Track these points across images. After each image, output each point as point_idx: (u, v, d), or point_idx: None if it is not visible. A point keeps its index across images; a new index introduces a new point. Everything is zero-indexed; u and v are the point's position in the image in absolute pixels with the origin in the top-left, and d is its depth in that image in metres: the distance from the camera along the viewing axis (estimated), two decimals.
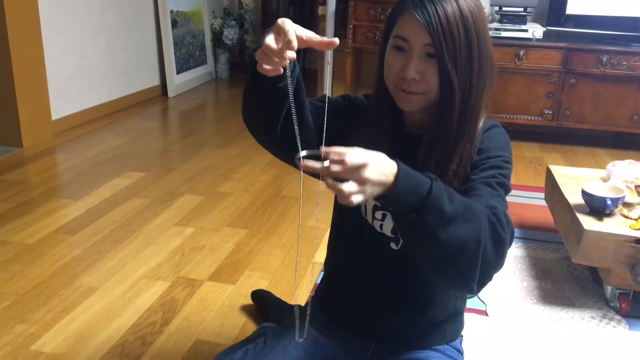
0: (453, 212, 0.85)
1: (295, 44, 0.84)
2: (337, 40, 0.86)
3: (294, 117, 0.89)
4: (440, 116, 1.01)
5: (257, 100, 0.99)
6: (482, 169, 1.02)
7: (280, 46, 0.85)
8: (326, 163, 0.81)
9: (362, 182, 0.81)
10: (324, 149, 0.82)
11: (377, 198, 0.86)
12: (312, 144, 1.07)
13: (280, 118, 1.00)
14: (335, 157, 0.80)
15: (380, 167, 0.82)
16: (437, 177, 0.88)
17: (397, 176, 0.84)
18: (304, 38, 0.86)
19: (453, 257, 0.87)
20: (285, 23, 0.85)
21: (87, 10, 3.62)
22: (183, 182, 2.79)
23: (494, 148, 1.05)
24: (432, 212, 0.85)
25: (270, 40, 0.85)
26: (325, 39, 0.86)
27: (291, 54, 0.86)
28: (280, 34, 0.85)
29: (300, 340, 1.15)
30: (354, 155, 0.81)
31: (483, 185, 0.99)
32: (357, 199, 0.81)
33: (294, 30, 0.85)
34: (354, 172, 0.80)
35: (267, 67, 0.88)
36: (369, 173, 0.81)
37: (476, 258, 0.87)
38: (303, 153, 0.85)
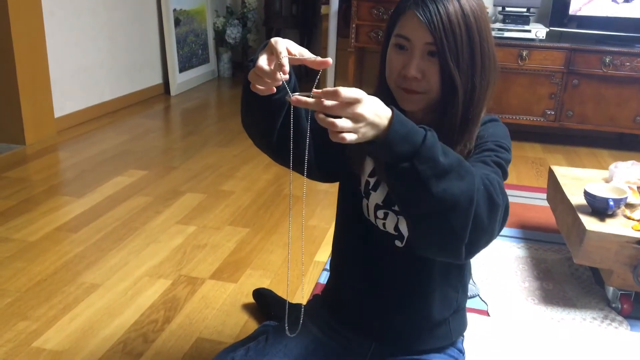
0: (447, 164, 0.83)
1: (287, 68, 0.85)
2: (330, 60, 0.86)
3: (285, 126, 0.90)
4: (443, 115, 1.01)
5: (253, 112, 1.01)
6: (478, 152, 1.02)
7: (272, 67, 0.86)
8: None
9: (356, 118, 0.79)
10: (315, 90, 0.80)
11: (369, 143, 0.83)
12: (310, 151, 1.09)
13: (276, 128, 1.02)
14: (330, 90, 0.78)
15: (374, 107, 0.81)
16: (431, 128, 0.86)
17: (391, 121, 0.82)
18: (297, 56, 0.87)
19: (444, 213, 0.84)
20: (278, 44, 0.86)
21: (90, 8, 3.62)
22: (185, 180, 2.80)
23: (492, 135, 1.04)
24: (425, 161, 0.82)
25: (262, 61, 0.86)
26: (318, 58, 0.87)
27: (284, 77, 0.87)
28: (273, 54, 0.86)
29: (292, 336, 1.14)
30: (348, 90, 0.79)
31: (478, 162, 0.98)
32: (350, 137, 0.79)
33: (286, 52, 0.86)
34: (348, 107, 0.78)
35: (260, 87, 0.90)
36: (362, 109, 0.79)
37: (468, 217, 0.84)
38: (295, 94, 0.82)
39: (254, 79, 0.89)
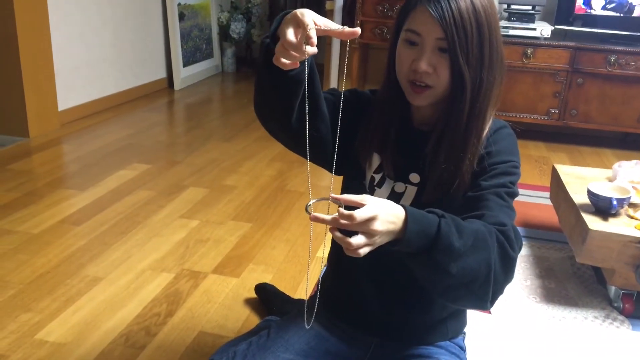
0: (463, 246, 0.87)
1: (315, 40, 0.83)
2: (358, 30, 0.84)
3: (308, 106, 0.89)
4: (451, 110, 1.01)
5: (270, 90, 0.97)
6: (491, 175, 1.03)
7: (299, 40, 0.84)
8: (336, 214, 0.82)
9: (371, 234, 0.82)
10: (332, 196, 0.84)
11: (388, 245, 0.87)
12: (327, 136, 1.07)
13: (294, 108, 0.98)
14: (345, 213, 0.81)
15: (388, 216, 0.84)
16: (443, 212, 0.90)
17: (406, 221, 0.85)
18: (323, 28, 0.84)
19: (465, 285, 0.89)
20: (305, 15, 0.83)
21: (95, 1, 3.62)
22: (188, 174, 2.80)
23: (503, 152, 1.05)
24: (442, 250, 0.86)
25: (290, 34, 0.83)
26: (346, 28, 0.84)
27: (311, 49, 0.84)
28: (300, 26, 0.84)
29: (308, 327, 1.15)
30: (362, 211, 0.81)
31: (492, 195, 1.00)
32: (364, 251, 0.83)
33: (313, 24, 0.83)
34: (363, 226, 0.82)
35: (285, 61, 0.86)
36: (378, 225, 0.82)
37: (488, 282, 0.90)
38: (312, 201, 0.87)
39: (280, 51, 0.86)
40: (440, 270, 0.88)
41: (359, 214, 0.81)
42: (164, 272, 1.94)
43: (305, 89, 0.94)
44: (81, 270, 1.92)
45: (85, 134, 3.34)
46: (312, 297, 1.36)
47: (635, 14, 3.39)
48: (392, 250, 0.88)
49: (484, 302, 0.93)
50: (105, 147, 3.14)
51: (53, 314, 1.69)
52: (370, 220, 0.82)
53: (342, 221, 0.81)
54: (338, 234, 0.83)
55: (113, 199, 2.48)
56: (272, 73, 0.93)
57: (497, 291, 0.93)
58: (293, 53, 0.85)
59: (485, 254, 0.89)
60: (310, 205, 0.85)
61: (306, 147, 0.93)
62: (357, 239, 0.82)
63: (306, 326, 1.07)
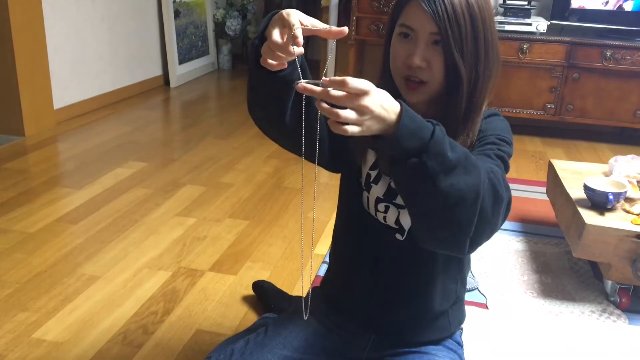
0: (455, 159, 0.82)
1: (301, 40, 0.82)
2: (346, 29, 0.83)
3: (303, 105, 0.88)
4: (447, 105, 1.01)
5: (262, 91, 0.97)
6: (480, 145, 1.01)
7: (285, 40, 0.83)
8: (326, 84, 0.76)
9: (361, 110, 0.77)
10: (325, 78, 0.78)
11: (377, 138, 0.82)
12: (322, 134, 1.06)
13: (287, 108, 0.98)
14: (337, 80, 0.76)
15: (382, 100, 0.79)
16: (439, 122, 0.85)
17: (400, 115, 0.80)
18: (310, 27, 0.84)
19: (450, 207, 0.83)
20: (291, 15, 0.83)
21: None
22: (185, 172, 2.80)
23: (494, 129, 1.04)
24: (434, 156, 0.81)
25: (276, 35, 0.83)
26: (333, 28, 0.83)
27: (298, 50, 0.83)
28: (286, 27, 0.83)
29: (305, 318, 1.13)
30: (356, 80, 0.77)
31: (481, 155, 0.98)
32: (352, 129, 0.77)
33: (299, 23, 0.82)
34: (354, 99, 0.76)
35: (271, 62, 0.86)
36: (369, 102, 0.77)
37: (474, 211, 0.84)
38: (303, 81, 0.79)
39: (266, 52, 0.86)
40: (428, 180, 0.81)
41: (352, 81, 0.76)
42: (161, 270, 1.94)
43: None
44: (78, 269, 1.92)
45: (81, 132, 3.34)
46: (310, 293, 1.36)
47: (630, 9, 3.40)
48: (380, 147, 0.83)
49: (465, 235, 0.85)
50: (101, 145, 3.13)
51: (50, 313, 1.68)
52: (363, 94, 0.77)
53: (333, 92, 0.76)
54: (325, 105, 0.76)
55: (109, 197, 2.47)
56: (262, 75, 0.92)
57: (481, 231, 0.86)
58: (279, 54, 0.85)
59: (475, 179, 0.84)
60: (298, 82, 0.79)
61: (301, 146, 0.93)
62: (347, 112, 0.76)
63: (304, 316, 1.06)
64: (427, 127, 0.82)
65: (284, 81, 0.93)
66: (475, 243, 0.88)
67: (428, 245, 0.94)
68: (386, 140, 0.81)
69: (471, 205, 0.84)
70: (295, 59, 0.90)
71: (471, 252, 0.90)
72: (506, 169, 1.00)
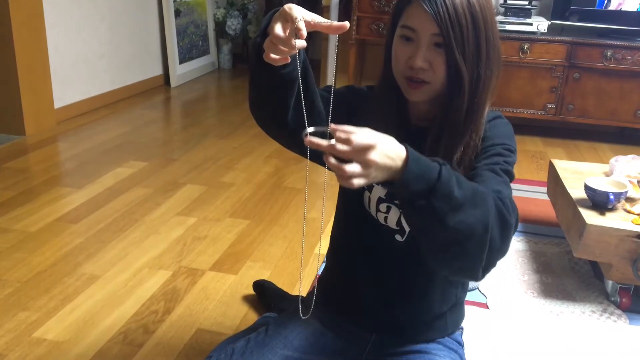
0: (462, 197, 0.83)
1: (304, 32, 0.82)
2: (347, 24, 0.83)
3: (303, 103, 0.88)
4: (449, 106, 1.01)
5: (264, 89, 0.97)
6: (486, 156, 1.02)
7: (288, 34, 0.83)
8: (332, 141, 0.77)
9: (366, 164, 0.77)
10: (332, 125, 0.78)
11: (385, 184, 0.83)
12: (324, 134, 1.06)
13: (289, 106, 0.98)
14: (342, 136, 0.77)
15: (388, 150, 0.79)
16: (445, 161, 0.86)
17: (406, 161, 0.81)
18: (312, 23, 0.84)
19: (461, 242, 0.85)
20: (293, 9, 0.83)
21: None
22: (185, 172, 2.80)
23: (498, 136, 1.05)
24: (441, 197, 0.82)
25: (278, 29, 0.83)
26: (335, 23, 0.84)
27: (301, 43, 0.83)
28: (288, 21, 0.83)
29: (305, 318, 1.13)
30: (361, 135, 0.77)
31: (487, 171, 0.98)
32: (358, 182, 0.78)
33: (302, 17, 0.82)
34: (360, 153, 0.77)
35: (274, 56, 0.86)
36: (375, 155, 0.77)
37: (484, 243, 0.86)
38: (310, 129, 0.81)
39: (268, 47, 0.85)
40: (437, 219, 0.83)
41: (357, 139, 0.76)
42: (161, 269, 1.94)
43: (300, 86, 0.93)
44: (78, 269, 1.92)
45: (81, 132, 3.34)
46: (311, 293, 1.36)
47: (631, 9, 3.39)
48: (390, 190, 0.84)
49: (477, 265, 0.87)
50: (101, 144, 3.13)
51: (50, 312, 1.68)
52: (368, 148, 0.77)
53: (339, 146, 0.76)
54: (332, 161, 0.77)
55: (110, 197, 2.47)
56: (264, 72, 0.92)
57: (492, 258, 0.88)
58: (282, 48, 0.84)
59: (484, 211, 0.85)
60: (307, 133, 0.80)
61: (302, 145, 0.93)
62: (352, 167, 0.77)
63: (301, 316, 1.06)
64: (434, 169, 0.83)
65: (286, 79, 0.93)
66: (486, 269, 0.90)
67: (442, 272, 0.95)
68: (394, 186, 0.83)
69: (481, 238, 0.85)
70: (297, 57, 0.89)
71: (484, 277, 0.92)
72: (511, 179, 1.01)
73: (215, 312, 1.73)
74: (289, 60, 0.88)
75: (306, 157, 0.97)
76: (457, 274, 0.93)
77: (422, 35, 0.98)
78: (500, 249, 0.89)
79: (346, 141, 0.77)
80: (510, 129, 1.09)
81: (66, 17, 3.43)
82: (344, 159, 0.77)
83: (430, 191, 0.82)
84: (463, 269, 0.90)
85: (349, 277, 1.22)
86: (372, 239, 1.15)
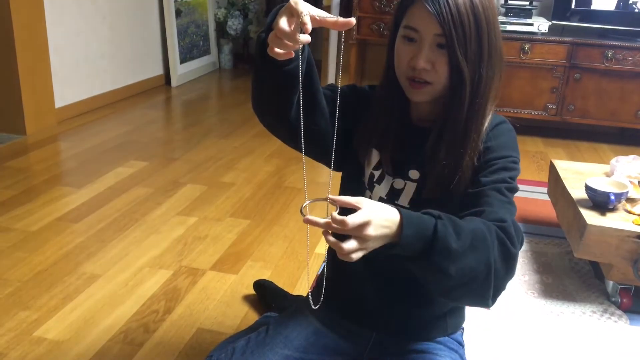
0: (461, 247, 0.86)
1: (309, 27, 0.81)
2: (353, 20, 0.84)
3: (307, 100, 0.88)
4: (450, 106, 1.01)
5: (267, 85, 0.97)
6: (491, 171, 1.02)
7: (293, 28, 0.83)
8: (329, 218, 0.81)
9: (363, 239, 0.82)
10: (330, 197, 0.84)
11: (384, 248, 0.87)
12: (327, 131, 1.06)
13: (292, 103, 0.98)
14: (336, 225, 0.81)
15: (382, 221, 0.83)
16: (439, 213, 0.89)
17: (401, 225, 0.84)
18: (318, 18, 0.84)
19: (465, 285, 0.89)
20: (299, 4, 0.82)
21: None
22: (186, 171, 2.80)
23: (503, 147, 1.05)
24: (440, 253, 0.85)
25: (283, 23, 0.82)
26: (340, 19, 0.84)
27: (305, 37, 0.83)
28: (294, 15, 0.83)
29: (316, 308, 1.14)
30: (355, 217, 0.81)
31: (492, 191, 0.99)
32: (357, 255, 0.83)
33: (307, 11, 0.82)
34: (356, 231, 0.81)
35: (279, 50, 0.85)
36: (371, 230, 0.82)
37: (488, 280, 0.89)
38: (307, 202, 0.87)
39: (273, 40, 0.85)
40: (439, 272, 0.87)
41: (352, 220, 0.80)
42: (162, 269, 1.94)
43: (302, 84, 0.93)
44: (79, 268, 1.92)
45: (82, 131, 3.34)
46: (313, 291, 1.36)
47: (632, 9, 3.39)
48: (389, 254, 0.88)
49: (485, 299, 0.92)
50: (102, 144, 3.13)
51: (51, 311, 1.68)
52: (363, 225, 0.81)
53: (335, 227, 0.81)
54: (331, 238, 0.83)
55: (110, 196, 2.47)
56: (268, 67, 0.92)
57: (499, 288, 0.92)
58: (286, 42, 0.84)
59: (485, 252, 0.88)
60: (305, 206, 0.85)
61: (306, 142, 0.93)
62: (350, 244, 0.82)
63: (312, 307, 1.08)
64: (429, 227, 0.86)
65: (290, 75, 0.93)
66: (495, 297, 0.94)
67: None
68: (393, 249, 0.87)
69: (485, 278, 0.89)
70: (300, 53, 0.89)
71: (495, 303, 0.96)
72: (515, 193, 1.03)
73: (215, 311, 1.73)
74: (293, 55, 0.88)
75: (307, 155, 0.98)
76: (468, 305, 1.01)
77: (424, 36, 0.98)
78: (505, 278, 0.92)
79: (341, 224, 0.81)
80: (513, 136, 1.09)
81: (67, 16, 3.43)
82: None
83: (428, 249, 0.86)
84: (472, 303, 0.96)
85: (350, 276, 1.22)
86: None
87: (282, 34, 0.83)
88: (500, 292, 0.93)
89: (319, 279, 1.34)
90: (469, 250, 0.87)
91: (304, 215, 0.83)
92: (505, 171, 1.02)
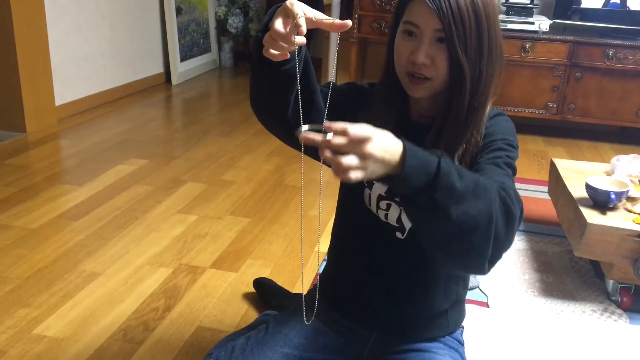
0: (464, 188, 0.82)
1: (304, 29, 0.81)
2: (349, 22, 0.83)
3: (304, 100, 0.87)
4: (450, 102, 1.00)
5: (264, 84, 0.97)
6: (487, 151, 1.01)
7: (288, 30, 0.83)
8: (328, 136, 0.76)
9: (363, 156, 0.76)
10: (327, 123, 0.78)
11: (384, 180, 0.82)
12: (319, 132, 1.06)
13: (290, 102, 0.98)
14: (338, 127, 0.76)
15: (385, 144, 0.78)
16: (443, 153, 0.85)
17: (404, 155, 0.80)
18: (314, 20, 0.83)
19: (465, 235, 0.84)
20: (294, 5, 0.83)
21: None
22: (186, 169, 2.80)
23: (500, 132, 1.04)
24: (442, 190, 0.80)
25: (278, 24, 0.83)
26: (337, 21, 0.83)
27: (300, 39, 0.83)
28: (289, 17, 0.83)
29: (308, 324, 1.13)
30: (357, 127, 0.77)
31: (490, 164, 0.98)
32: (355, 174, 0.77)
33: (302, 13, 0.82)
34: (356, 146, 0.76)
35: (274, 52, 0.86)
36: (372, 148, 0.77)
37: (488, 234, 0.84)
38: (305, 127, 0.80)
39: (268, 42, 0.85)
40: (439, 213, 0.81)
41: (353, 130, 0.76)
42: (162, 267, 1.94)
43: (299, 84, 0.93)
44: (79, 266, 1.92)
45: (82, 129, 3.34)
46: (311, 291, 1.36)
47: (633, 8, 3.39)
48: (390, 186, 0.82)
49: (483, 259, 0.86)
50: (102, 142, 3.13)
51: (51, 309, 1.68)
52: (365, 140, 0.76)
53: (335, 139, 0.76)
54: (328, 154, 0.76)
55: (111, 194, 2.47)
56: (265, 68, 0.92)
57: (497, 250, 0.87)
58: (281, 43, 0.84)
59: (487, 202, 0.84)
60: (301, 130, 0.79)
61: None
62: (349, 159, 0.75)
63: (305, 322, 1.06)
64: (432, 162, 0.82)
65: (286, 75, 0.93)
66: (492, 262, 0.89)
67: (448, 268, 0.94)
68: (393, 182, 0.82)
69: (485, 230, 0.84)
70: (297, 54, 0.89)
71: (490, 270, 0.91)
72: (514, 173, 1.00)
73: (215, 309, 1.73)
74: (288, 56, 0.88)
75: (306, 154, 0.97)
76: (463, 268, 0.91)
77: (424, 31, 0.97)
78: (505, 241, 0.87)
79: (342, 132, 0.76)
80: (511, 125, 1.09)
81: (67, 15, 3.43)
82: (340, 153, 0.77)
83: (431, 185, 0.81)
84: (468, 263, 0.89)
85: (350, 274, 1.22)
86: (373, 236, 1.15)
87: (277, 35, 0.83)
88: (498, 257, 0.89)
89: (319, 278, 1.34)
90: (472, 196, 0.82)
91: (299, 134, 0.78)
92: (502, 151, 1.01)
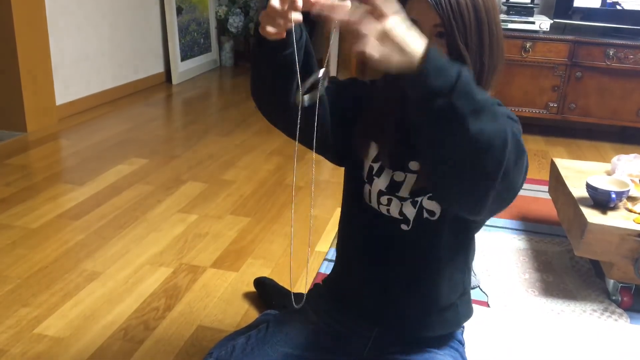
0: (483, 101, 0.78)
1: (299, 4, 0.80)
2: (348, 3, 0.78)
3: (300, 104, 0.87)
4: None
5: (264, 69, 0.96)
6: None
7: (285, 7, 0.81)
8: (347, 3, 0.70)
9: (384, 32, 0.72)
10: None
11: (403, 77, 0.78)
12: (325, 121, 1.05)
13: (289, 90, 0.96)
14: None
15: (409, 28, 0.75)
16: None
17: (427, 51, 0.76)
18: (312, 0, 0.80)
19: (478, 154, 0.79)
20: None
21: None
22: (186, 169, 2.80)
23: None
24: (463, 96, 0.76)
25: (275, 1, 0.81)
26: (336, 1, 0.79)
27: (297, 15, 0.81)
28: None
29: (297, 307, 1.10)
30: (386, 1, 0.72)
31: None
32: (371, 47, 0.72)
33: None
34: (377, 20, 0.72)
35: (270, 29, 0.84)
36: (394, 24, 0.72)
37: (501, 160, 0.81)
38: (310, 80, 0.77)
39: (264, 19, 0.84)
40: (457, 122, 0.76)
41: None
42: (162, 266, 1.94)
43: (299, 64, 0.92)
44: (79, 265, 1.92)
45: (83, 129, 3.34)
46: (311, 290, 1.36)
47: (634, 8, 3.39)
48: (407, 86, 0.78)
49: (491, 187, 0.82)
50: (103, 141, 3.13)
51: (51, 308, 1.69)
52: (386, 15, 0.72)
53: (353, 14, 0.72)
54: (345, 18, 0.72)
55: (111, 194, 2.47)
56: (264, 52, 0.91)
57: (503, 187, 0.84)
58: (277, 20, 0.83)
59: (503, 126, 0.80)
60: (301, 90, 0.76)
61: (305, 134, 0.92)
62: (369, 25, 0.71)
63: (294, 305, 1.04)
64: (454, 66, 0.78)
65: (285, 61, 0.91)
66: (495, 203, 0.86)
67: (449, 201, 0.92)
68: (413, 79, 0.77)
69: (499, 153, 0.80)
70: (296, 40, 0.88)
71: (489, 216, 0.87)
72: (515, 120, 0.98)
73: (216, 309, 1.73)
74: (284, 35, 0.86)
75: (306, 147, 0.96)
76: (466, 199, 0.86)
77: (424, 27, 0.97)
78: (512, 180, 0.85)
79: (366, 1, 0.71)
80: (511, 113, 1.08)
81: (68, 14, 3.43)
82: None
83: (451, 88, 0.76)
84: (474, 191, 0.84)
85: (356, 270, 1.21)
86: (378, 230, 1.14)
87: (273, 11, 0.82)
88: (502, 200, 0.85)
89: (327, 277, 1.33)
90: (489, 113, 0.78)
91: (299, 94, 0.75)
92: (503, 108, 0.98)
